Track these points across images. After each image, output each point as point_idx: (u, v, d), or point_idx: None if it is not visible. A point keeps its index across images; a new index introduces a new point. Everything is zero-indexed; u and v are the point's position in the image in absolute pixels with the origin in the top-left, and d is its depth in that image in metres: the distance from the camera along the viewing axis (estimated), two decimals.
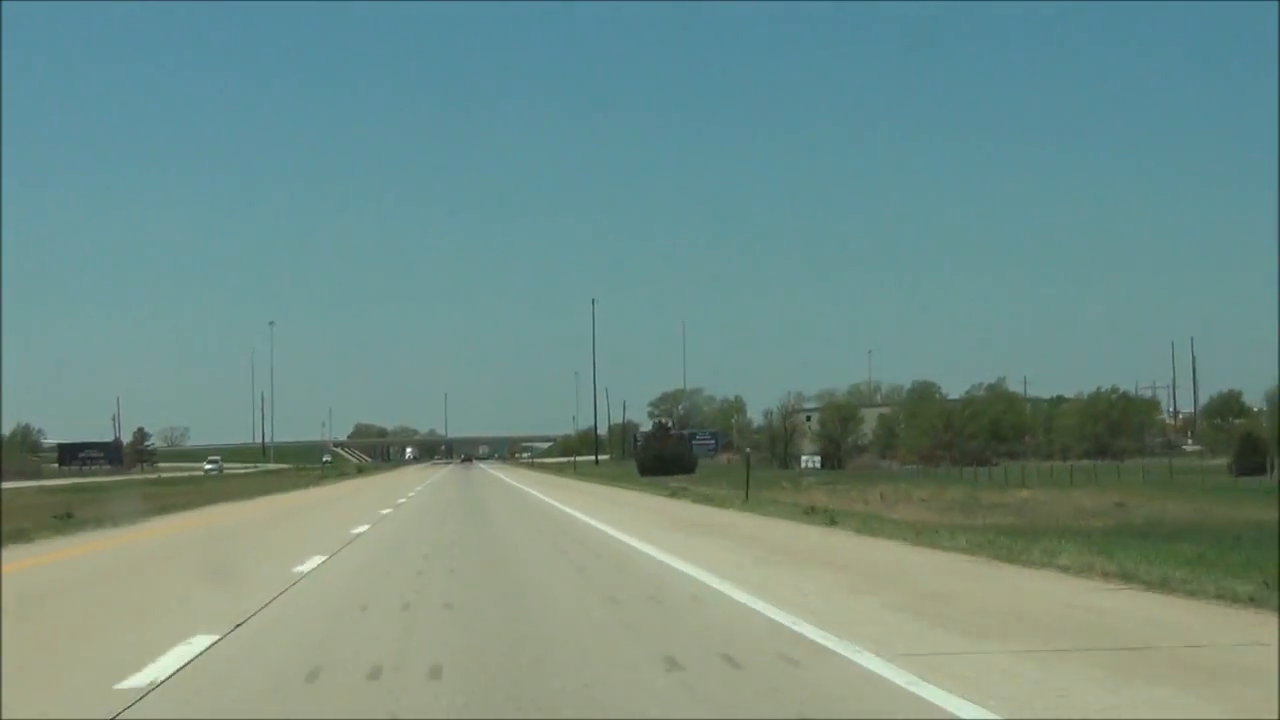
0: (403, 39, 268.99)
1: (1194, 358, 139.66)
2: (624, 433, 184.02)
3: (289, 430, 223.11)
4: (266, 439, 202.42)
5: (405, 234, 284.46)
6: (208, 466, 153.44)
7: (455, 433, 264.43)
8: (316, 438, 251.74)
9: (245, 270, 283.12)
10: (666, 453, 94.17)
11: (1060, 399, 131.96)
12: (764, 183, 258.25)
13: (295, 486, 67.47)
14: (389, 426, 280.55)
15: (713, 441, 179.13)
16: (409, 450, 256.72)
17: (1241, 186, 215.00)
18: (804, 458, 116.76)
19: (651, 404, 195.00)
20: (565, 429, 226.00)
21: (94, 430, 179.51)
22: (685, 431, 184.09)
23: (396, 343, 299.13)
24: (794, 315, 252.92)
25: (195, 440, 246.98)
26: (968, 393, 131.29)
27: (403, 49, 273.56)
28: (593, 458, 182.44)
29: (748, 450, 64.72)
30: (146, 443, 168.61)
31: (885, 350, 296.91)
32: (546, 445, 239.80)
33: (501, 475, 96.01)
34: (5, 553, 22.06)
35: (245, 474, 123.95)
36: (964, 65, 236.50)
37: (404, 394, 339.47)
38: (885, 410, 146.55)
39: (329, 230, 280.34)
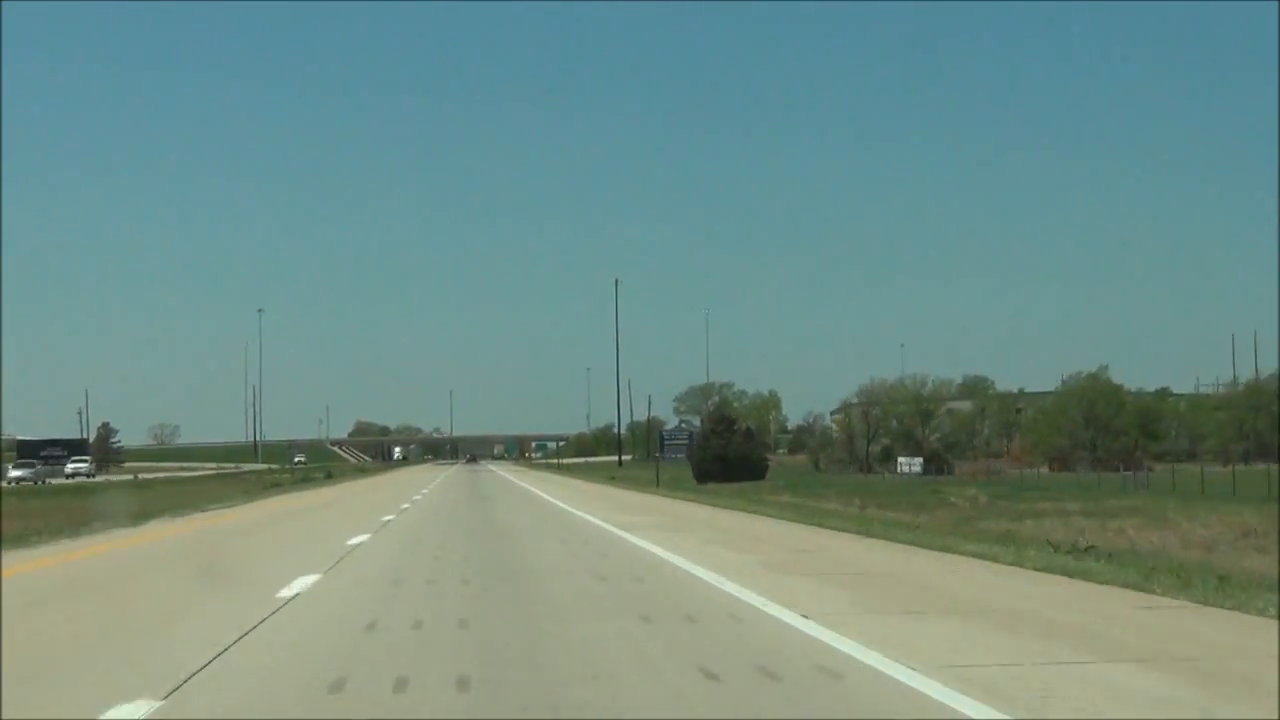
0: (416, 29, 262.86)
1: None
2: (649, 430, 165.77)
3: (287, 429, 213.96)
4: (258, 436, 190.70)
5: (410, 226, 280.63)
6: (70, 469, 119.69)
7: (461, 431, 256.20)
8: (314, 436, 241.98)
9: (241, 264, 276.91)
10: (730, 453, 75.52)
11: (1165, 392, 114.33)
12: (785, 175, 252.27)
13: (213, 501, 46.66)
14: (392, 425, 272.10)
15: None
16: (397, 450, 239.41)
17: None
18: (902, 461, 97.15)
19: (677, 399, 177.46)
20: (576, 427, 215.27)
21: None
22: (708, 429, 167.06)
23: (400, 338, 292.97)
24: (818, 310, 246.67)
25: (187, 438, 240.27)
26: (1063, 383, 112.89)
27: (414, 39, 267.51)
28: (611, 457, 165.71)
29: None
30: (113, 440, 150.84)
31: (915, 345, 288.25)
32: (556, 445, 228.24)
33: (517, 479, 78.20)
34: None
35: (166, 480, 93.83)
36: (998, 59, 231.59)
37: (408, 391, 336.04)
38: (963, 405, 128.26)
39: (329, 222, 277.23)
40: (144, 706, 8.00)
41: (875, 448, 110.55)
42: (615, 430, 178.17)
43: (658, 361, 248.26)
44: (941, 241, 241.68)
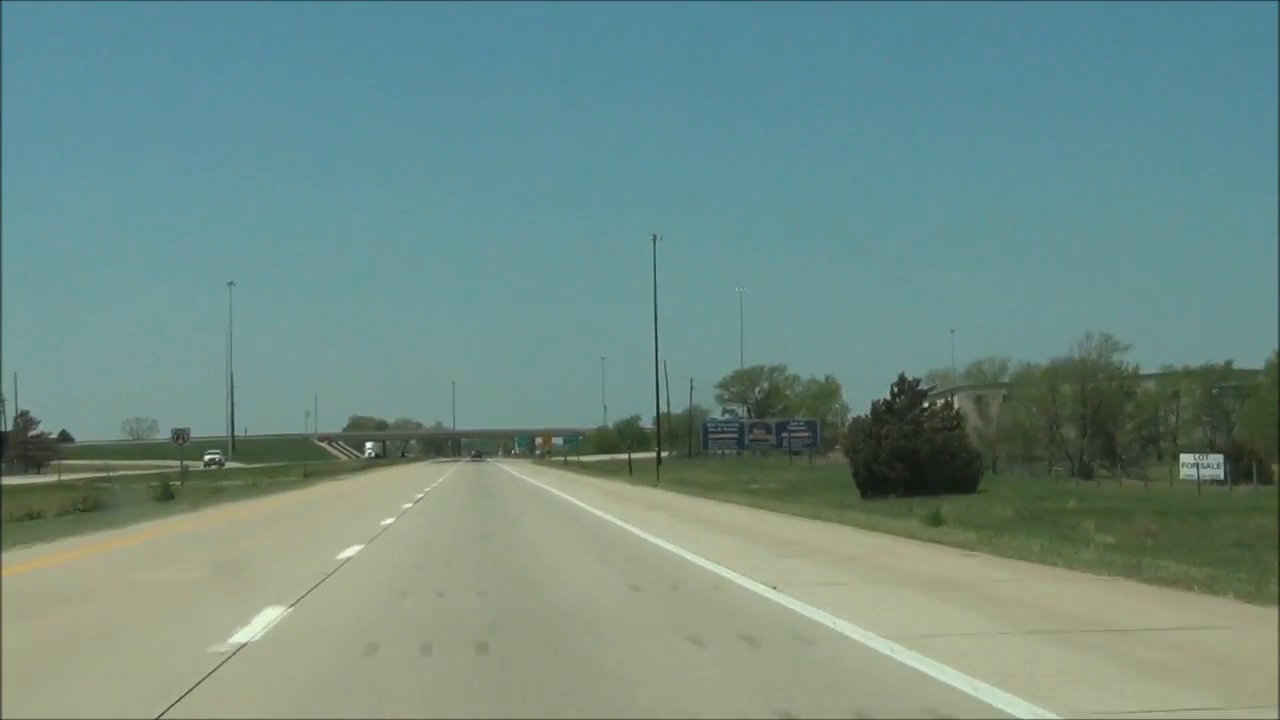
0: (420, 15, 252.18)
1: None
2: (691, 422, 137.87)
3: (274, 423, 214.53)
4: (239, 430, 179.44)
5: (407, 206, 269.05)
6: None
7: (465, 426, 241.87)
8: (300, 431, 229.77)
9: (230, 249, 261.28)
10: (923, 453, 44.30)
11: None
12: (821, 159, 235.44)
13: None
14: (390, 420, 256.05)
15: (809, 433, 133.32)
16: (369, 446, 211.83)
17: None
18: (1186, 459, 66.06)
19: (720, 386, 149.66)
20: (589, 422, 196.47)
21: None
22: (768, 420, 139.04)
23: (398, 329, 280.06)
24: (855, 296, 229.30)
25: (165, 433, 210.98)
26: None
27: (417, 30, 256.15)
28: (641, 454, 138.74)
29: None
30: (32, 433, 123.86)
31: (963, 330, 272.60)
32: (578, 439, 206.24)
33: (557, 490, 49.60)
34: None
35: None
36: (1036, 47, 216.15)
37: (407, 385, 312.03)
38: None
39: (320, 205, 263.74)
40: None
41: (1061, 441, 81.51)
42: (654, 421, 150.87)
43: (688, 348, 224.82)
44: (973, 227, 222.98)
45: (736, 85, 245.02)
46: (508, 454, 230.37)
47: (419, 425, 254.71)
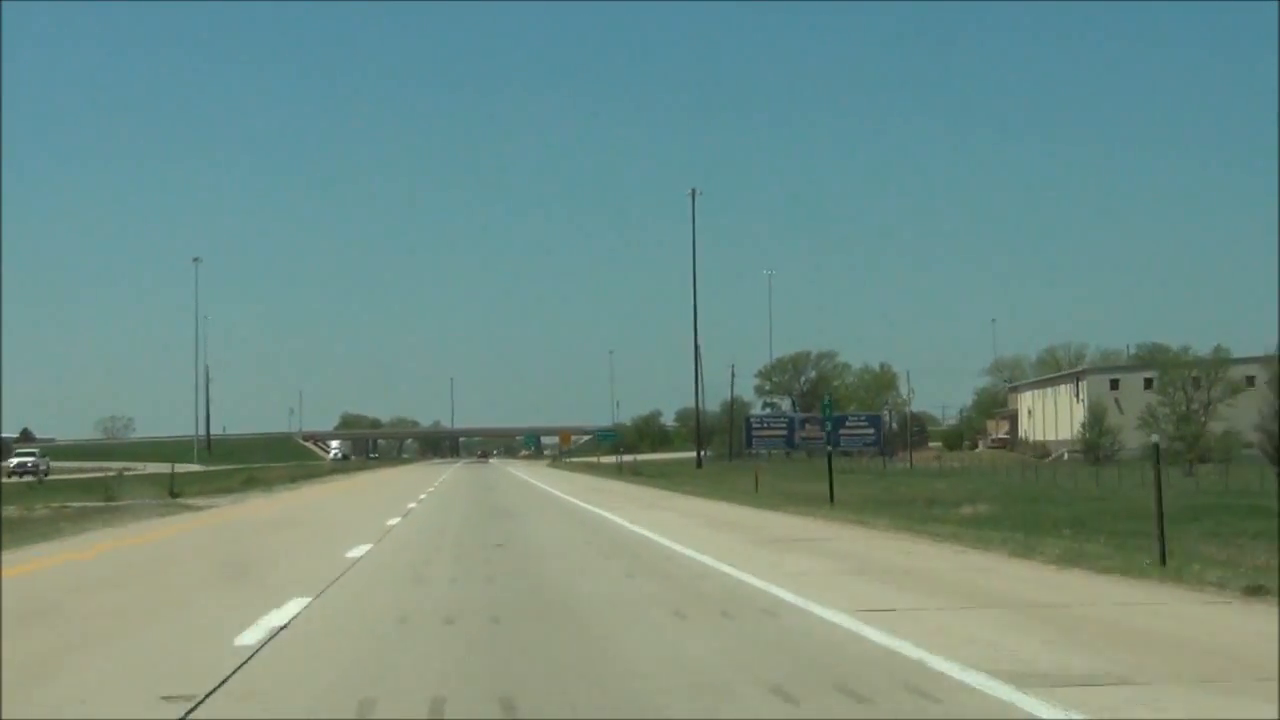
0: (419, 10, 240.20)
1: None
2: (732, 416, 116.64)
3: (260, 421, 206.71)
4: (208, 428, 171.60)
5: (401, 195, 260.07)
6: None
7: (464, 424, 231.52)
8: (285, 429, 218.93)
9: (212, 240, 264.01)
10: None
11: None
12: (862, 141, 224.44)
13: None
14: (384, 418, 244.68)
15: (872, 431, 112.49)
16: (335, 445, 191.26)
17: None
18: None
19: (760, 375, 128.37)
20: (596, 419, 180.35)
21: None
22: (819, 414, 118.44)
23: (393, 322, 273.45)
24: (882, 282, 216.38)
25: (143, 432, 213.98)
26: None
27: (405, 17, 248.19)
28: (673, 454, 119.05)
29: None
30: None
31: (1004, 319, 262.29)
32: (611, 436, 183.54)
33: (667, 536, 28.07)
34: None
35: None
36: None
37: (403, 382, 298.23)
38: None
39: (310, 195, 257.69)
40: None
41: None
42: (676, 418, 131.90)
43: (718, 336, 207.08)
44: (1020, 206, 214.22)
45: (748, 75, 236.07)
46: (514, 454, 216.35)
47: (415, 424, 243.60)
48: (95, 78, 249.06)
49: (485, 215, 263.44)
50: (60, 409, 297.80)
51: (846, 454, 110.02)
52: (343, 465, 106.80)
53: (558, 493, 44.00)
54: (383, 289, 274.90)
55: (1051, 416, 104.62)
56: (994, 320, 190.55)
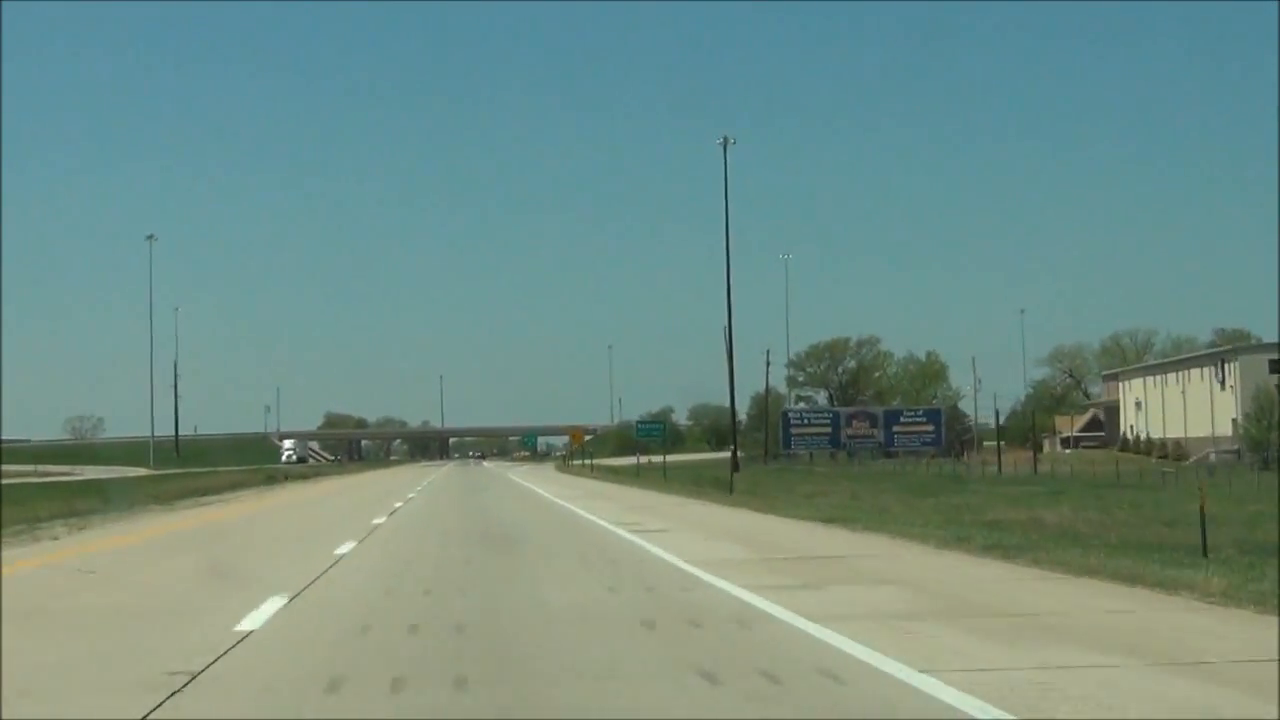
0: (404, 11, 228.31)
1: None
2: (767, 411, 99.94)
3: (235, 421, 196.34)
4: (186, 429, 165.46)
5: (388, 189, 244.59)
6: None
7: (455, 423, 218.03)
8: (260, 429, 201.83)
9: (184, 232, 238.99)
10: None
11: None
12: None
13: None
14: (370, 418, 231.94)
15: (932, 428, 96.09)
16: (287, 445, 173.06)
17: None
18: None
19: (793, 362, 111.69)
20: (593, 418, 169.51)
21: None
22: (871, 408, 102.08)
23: (380, 319, 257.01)
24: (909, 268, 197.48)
25: (113, 432, 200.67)
26: None
27: (392, 10, 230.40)
28: (701, 454, 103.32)
29: None
30: None
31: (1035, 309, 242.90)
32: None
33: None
34: None
35: None
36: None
37: (390, 380, 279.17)
38: None
39: (290, 187, 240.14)
40: None
41: None
42: (690, 415, 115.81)
43: (743, 323, 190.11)
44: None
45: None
46: (505, 455, 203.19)
47: (404, 424, 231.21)
48: (97, 79, 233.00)
49: (474, 203, 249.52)
50: (30, 409, 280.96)
51: (887, 455, 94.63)
52: (301, 470, 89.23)
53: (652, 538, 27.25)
54: (369, 282, 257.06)
55: (1176, 408, 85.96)
56: (1023, 311, 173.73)
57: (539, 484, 52.70)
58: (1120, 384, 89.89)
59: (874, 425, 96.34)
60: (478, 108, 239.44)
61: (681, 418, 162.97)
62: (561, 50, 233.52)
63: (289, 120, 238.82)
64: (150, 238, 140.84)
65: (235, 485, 49.83)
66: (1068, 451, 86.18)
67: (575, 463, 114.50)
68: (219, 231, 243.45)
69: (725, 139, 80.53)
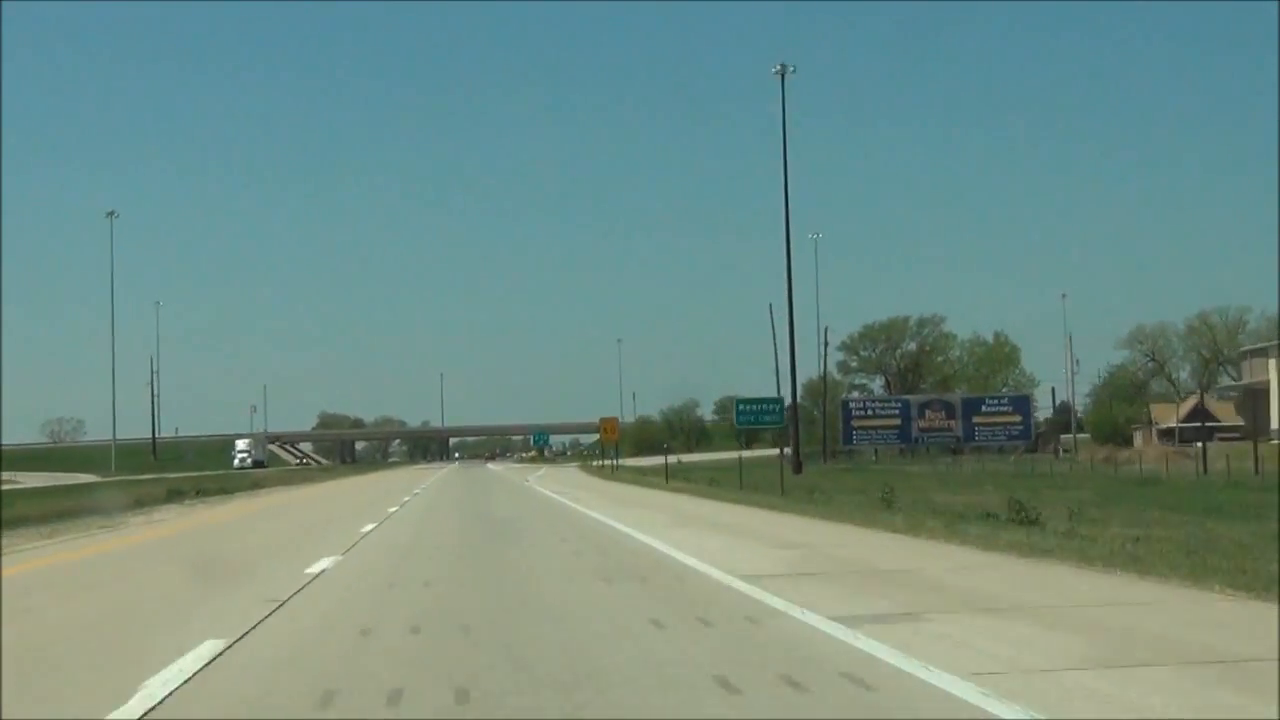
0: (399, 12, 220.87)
1: None
2: (825, 400, 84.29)
3: (221, 421, 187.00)
4: (167, 430, 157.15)
5: (387, 182, 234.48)
6: None
7: (456, 422, 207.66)
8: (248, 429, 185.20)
9: (177, 229, 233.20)
10: None
11: None
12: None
13: None
14: (368, 418, 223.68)
15: (1019, 418, 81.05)
16: (240, 445, 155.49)
17: None
18: None
19: (845, 346, 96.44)
20: (596, 414, 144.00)
21: None
22: (946, 395, 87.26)
23: (377, 316, 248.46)
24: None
25: (94, 434, 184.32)
26: None
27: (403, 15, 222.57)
28: (723, 454, 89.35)
29: None
30: None
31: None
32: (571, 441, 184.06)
33: None
34: None
35: None
36: None
37: (389, 379, 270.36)
38: None
39: (291, 184, 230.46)
40: None
41: None
42: (716, 410, 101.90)
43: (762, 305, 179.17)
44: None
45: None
46: (513, 457, 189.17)
47: (403, 424, 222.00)
48: (95, 77, 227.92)
49: (474, 196, 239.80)
50: (7, 411, 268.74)
51: (953, 451, 79.86)
52: (254, 477, 74.40)
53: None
54: (365, 276, 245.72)
55: None
56: (1064, 295, 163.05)
57: (596, 502, 36.38)
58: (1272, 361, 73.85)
59: (950, 416, 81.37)
60: (476, 100, 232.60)
61: (707, 411, 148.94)
62: (563, 39, 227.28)
63: (289, 110, 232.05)
64: (111, 214, 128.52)
65: (172, 496, 34.97)
66: (1197, 445, 71.05)
67: (596, 463, 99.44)
68: (213, 224, 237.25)
69: (783, 67, 66.11)
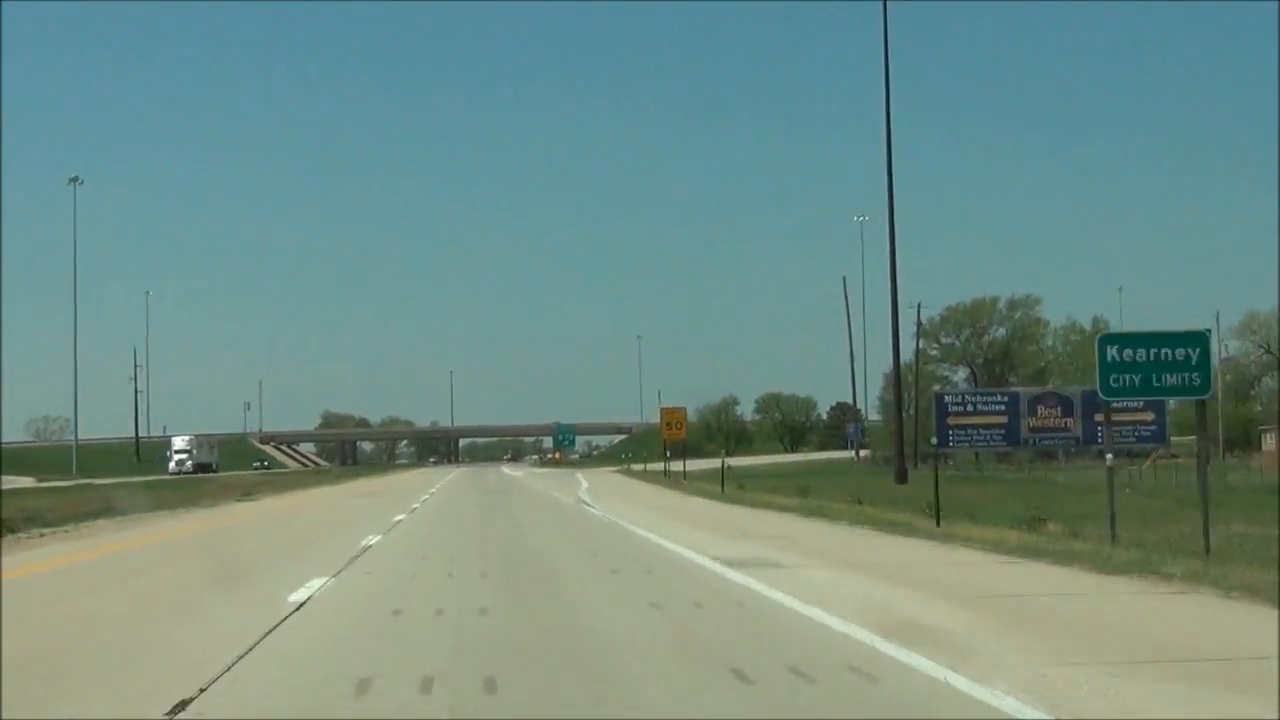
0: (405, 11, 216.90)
1: None
2: (917, 392, 69.21)
3: (219, 420, 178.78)
4: (155, 429, 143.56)
5: (395, 174, 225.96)
6: None
7: (465, 422, 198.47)
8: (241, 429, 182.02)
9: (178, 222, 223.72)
10: None
11: None
12: None
13: None
14: (374, 418, 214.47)
15: (1152, 416, 66.14)
16: (178, 445, 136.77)
17: None
18: None
19: (930, 323, 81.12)
20: (620, 415, 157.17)
21: None
22: (1061, 388, 73.33)
23: (385, 313, 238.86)
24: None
25: (83, 432, 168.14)
26: None
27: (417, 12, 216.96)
28: (772, 457, 74.75)
29: None
30: None
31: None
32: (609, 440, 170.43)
33: None
34: None
35: None
36: None
37: (395, 377, 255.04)
38: None
39: (295, 174, 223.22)
40: None
41: None
42: (759, 409, 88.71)
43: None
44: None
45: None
46: (527, 459, 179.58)
47: (410, 423, 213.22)
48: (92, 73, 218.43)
49: (486, 190, 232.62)
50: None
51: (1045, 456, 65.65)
52: (202, 481, 59.21)
53: None
54: (373, 272, 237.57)
55: None
56: (1121, 289, 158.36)
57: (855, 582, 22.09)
58: None
59: (1067, 413, 66.57)
60: (483, 98, 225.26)
61: (747, 410, 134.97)
62: (573, 38, 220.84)
63: (300, 95, 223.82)
64: (74, 180, 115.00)
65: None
66: None
67: (637, 467, 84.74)
68: (215, 218, 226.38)
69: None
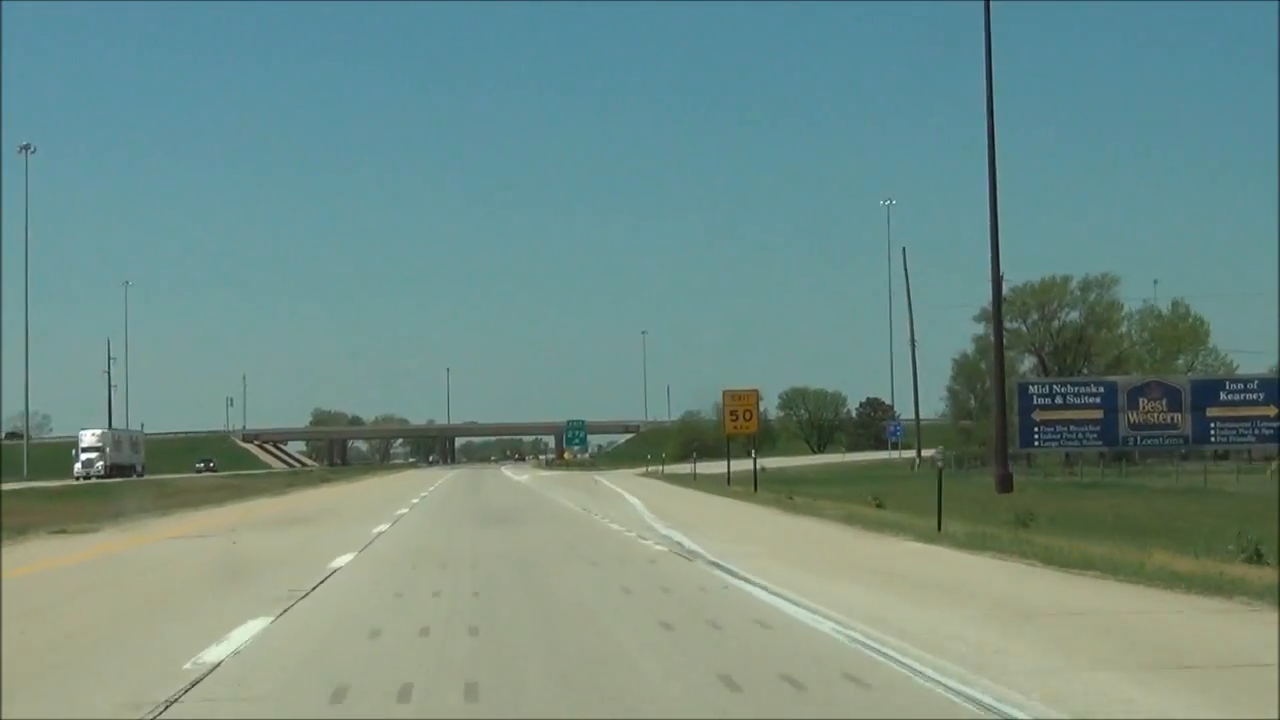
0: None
1: None
2: (1001, 383, 58.90)
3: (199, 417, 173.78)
4: (133, 424, 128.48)
5: (390, 164, 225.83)
6: None
7: (461, 420, 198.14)
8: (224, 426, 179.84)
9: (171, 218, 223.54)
10: None
11: None
12: None
13: None
14: (367, 416, 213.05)
15: (1275, 410, 56.21)
16: (86, 442, 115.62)
17: None
18: None
19: (984, 318, 71.34)
20: (624, 413, 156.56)
21: None
22: (1168, 377, 62.71)
23: (378, 309, 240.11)
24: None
25: (63, 429, 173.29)
26: None
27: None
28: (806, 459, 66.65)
29: None
30: None
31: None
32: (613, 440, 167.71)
33: None
34: None
35: None
36: None
37: (389, 374, 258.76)
38: None
39: (286, 164, 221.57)
40: None
41: None
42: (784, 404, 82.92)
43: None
44: None
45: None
46: (521, 458, 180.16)
47: (405, 421, 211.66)
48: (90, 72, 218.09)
49: (483, 184, 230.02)
50: None
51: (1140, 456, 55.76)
52: (110, 488, 48.72)
53: None
54: (367, 268, 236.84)
55: None
56: (1156, 282, 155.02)
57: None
58: None
59: (1174, 407, 56.38)
60: (481, 95, 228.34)
61: (770, 407, 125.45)
62: (579, 30, 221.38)
63: (296, 88, 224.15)
64: (25, 148, 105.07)
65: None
66: None
67: (664, 469, 74.15)
68: (198, 205, 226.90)
69: None
